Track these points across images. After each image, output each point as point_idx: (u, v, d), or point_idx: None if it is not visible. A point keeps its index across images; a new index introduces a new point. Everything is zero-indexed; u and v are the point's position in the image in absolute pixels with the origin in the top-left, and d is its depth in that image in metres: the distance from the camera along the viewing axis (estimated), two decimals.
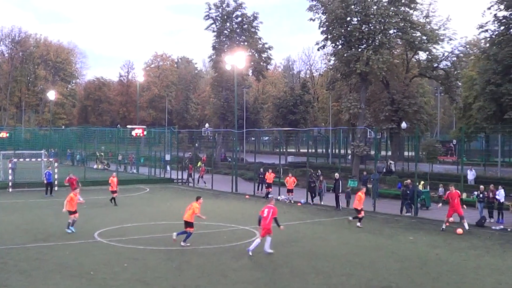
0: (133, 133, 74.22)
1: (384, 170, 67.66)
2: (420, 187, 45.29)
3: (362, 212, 35.56)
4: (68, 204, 31.90)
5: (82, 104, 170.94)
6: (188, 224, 28.14)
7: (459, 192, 35.85)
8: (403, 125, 67.96)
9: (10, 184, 55.60)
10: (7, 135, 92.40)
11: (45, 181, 52.91)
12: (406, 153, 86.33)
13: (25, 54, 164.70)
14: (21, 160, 62.30)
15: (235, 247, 28.35)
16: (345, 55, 65.76)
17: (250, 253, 25.93)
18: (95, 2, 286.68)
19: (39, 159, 65.00)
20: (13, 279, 21.60)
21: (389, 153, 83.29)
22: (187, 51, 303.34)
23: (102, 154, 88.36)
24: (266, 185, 53.07)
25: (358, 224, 35.34)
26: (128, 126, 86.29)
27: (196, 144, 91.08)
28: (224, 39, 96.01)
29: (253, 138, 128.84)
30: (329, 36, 67.36)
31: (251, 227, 33.88)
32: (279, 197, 49.78)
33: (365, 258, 25.95)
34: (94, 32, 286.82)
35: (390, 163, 69.98)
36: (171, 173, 70.55)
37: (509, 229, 35.42)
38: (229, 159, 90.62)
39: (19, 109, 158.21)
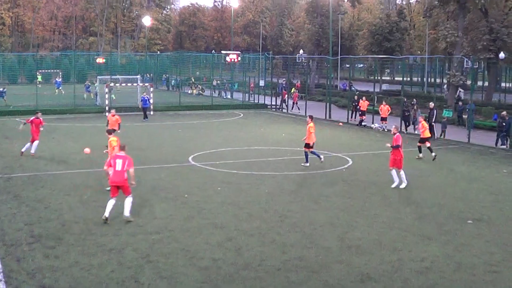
0: (228, 58, 74.51)
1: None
2: None
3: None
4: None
5: (177, 30, 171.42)
6: None
7: None
8: (501, 55, 65.85)
9: (106, 108, 56.90)
10: (103, 60, 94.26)
11: (141, 106, 54.00)
12: (503, 84, 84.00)
13: None
14: (117, 85, 63.63)
15: (327, 174, 28.38)
16: None
17: None
18: None
19: (134, 84, 66.18)
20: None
21: (486, 83, 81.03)
22: None
23: (193, 80, 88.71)
24: (360, 112, 52.67)
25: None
26: (222, 52, 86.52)
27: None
28: None
29: (347, 65, 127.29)
30: None
31: (344, 154, 33.88)
32: (372, 125, 49.43)
33: (457, 190, 25.57)
34: None
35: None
36: (287, 101, 67.96)
37: None
38: (353, 88, 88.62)
39: (115, 34, 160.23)
